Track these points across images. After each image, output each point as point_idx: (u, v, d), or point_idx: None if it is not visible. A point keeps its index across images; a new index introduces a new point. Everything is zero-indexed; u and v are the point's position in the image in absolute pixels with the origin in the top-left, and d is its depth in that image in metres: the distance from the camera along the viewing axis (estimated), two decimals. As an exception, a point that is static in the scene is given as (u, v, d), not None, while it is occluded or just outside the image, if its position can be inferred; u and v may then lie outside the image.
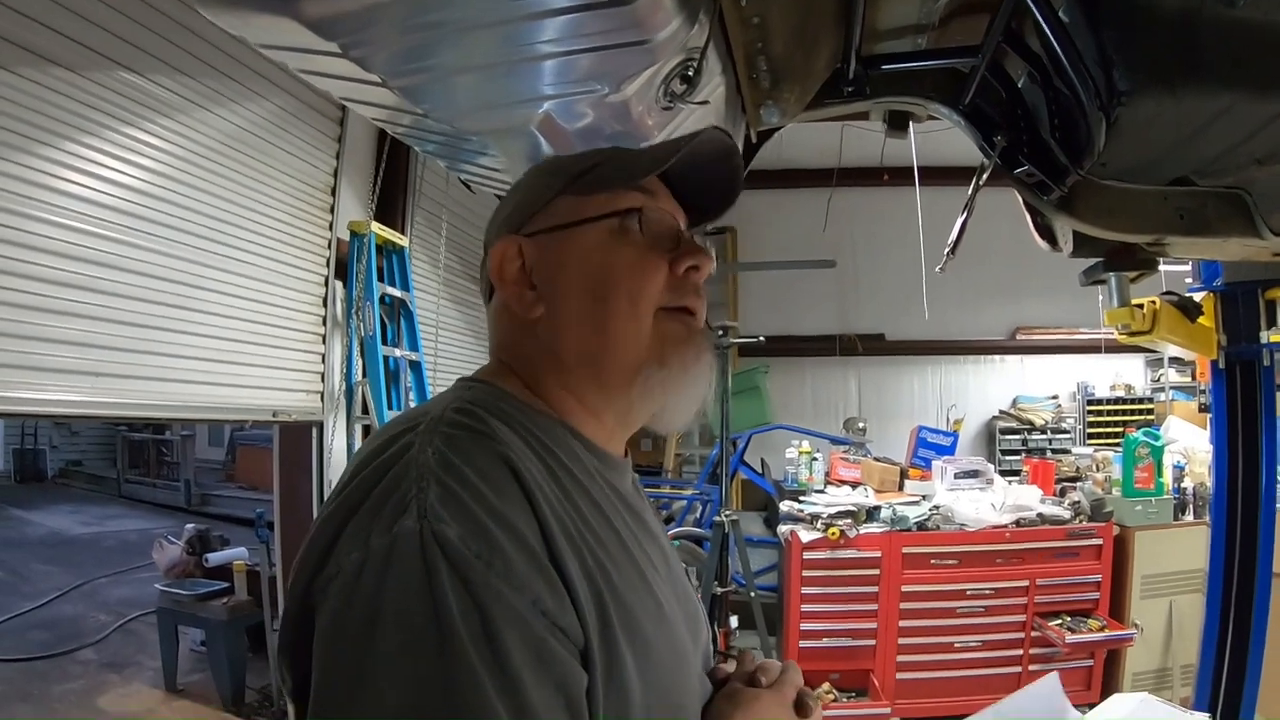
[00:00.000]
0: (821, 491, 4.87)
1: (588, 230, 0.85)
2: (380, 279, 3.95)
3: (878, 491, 4.83)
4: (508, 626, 0.61)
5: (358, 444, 3.83)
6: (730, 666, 0.92)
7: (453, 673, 0.58)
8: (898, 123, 1.88)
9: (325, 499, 0.74)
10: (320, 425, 3.75)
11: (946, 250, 2.08)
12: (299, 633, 0.67)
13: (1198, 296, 2.85)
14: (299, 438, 3.81)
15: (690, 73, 1.17)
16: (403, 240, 4.15)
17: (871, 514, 4.46)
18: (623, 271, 0.84)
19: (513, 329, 0.89)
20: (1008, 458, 7.40)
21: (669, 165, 0.85)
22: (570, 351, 0.85)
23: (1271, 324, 2.75)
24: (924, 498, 4.67)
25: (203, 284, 3.01)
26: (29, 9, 2.27)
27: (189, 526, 5.80)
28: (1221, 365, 2.88)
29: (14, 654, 5.54)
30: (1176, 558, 4.31)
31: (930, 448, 5.11)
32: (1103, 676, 4.33)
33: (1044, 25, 1.37)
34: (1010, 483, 4.93)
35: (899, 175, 6.44)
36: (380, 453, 0.71)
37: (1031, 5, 1.34)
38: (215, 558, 5.22)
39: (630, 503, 0.86)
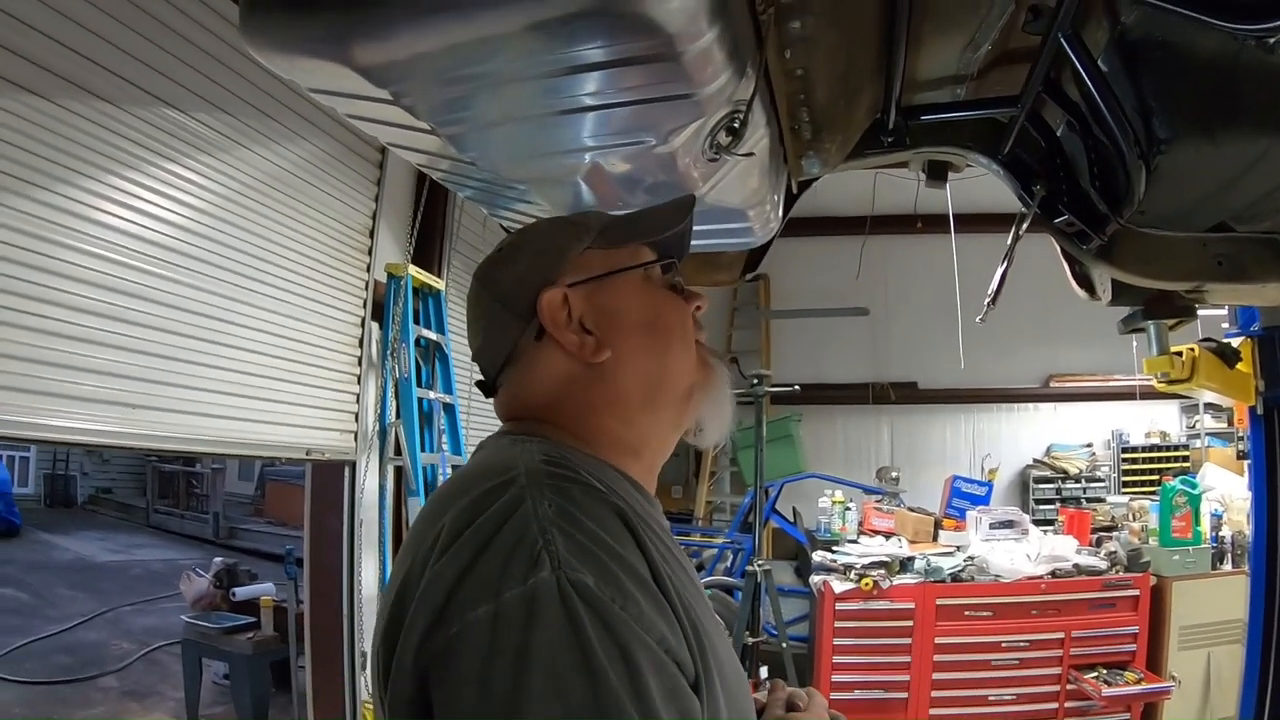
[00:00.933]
0: (855, 541, 4.81)
1: (626, 278, 0.94)
2: (416, 321, 3.98)
3: (912, 542, 4.76)
4: (647, 666, 0.64)
5: (390, 485, 3.84)
6: (763, 695, 1.01)
7: (606, 710, 0.60)
8: (937, 173, 1.89)
9: (411, 559, 0.74)
10: (353, 465, 3.76)
11: (987, 300, 2.08)
12: (417, 693, 0.67)
13: (1235, 342, 2.82)
14: (331, 476, 3.83)
15: (736, 124, 1.18)
16: (439, 284, 4.19)
17: (905, 565, 4.39)
18: (670, 311, 0.96)
19: (565, 378, 0.91)
20: (1041, 507, 7.26)
21: (680, 227, 0.97)
22: (636, 384, 0.92)
23: (1311, 368, 2.71)
24: (958, 548, 4.59)
25: (240, 320, 3.05)
26: (73, 42, 2.33)
27: (217, 560, 5.84)
28: (1260, 411, 2.84)
29: (37, 677, 5.59)
30: (1215, 608, 4.19)
31: (965, 497, 5.04)
32: (1140, 731, 4.19)
33: (1083, 74, 1.38)
34: (1045, 533, 4.84)
35: (932, 223, 6.45)
36: (482, 507, 0.72)
37: (1071, 55, 1.34)
38: (242, 592, 5.24)
39: (673, 537, 0.90)
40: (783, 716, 0.95)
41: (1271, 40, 1.03)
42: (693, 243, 1.05)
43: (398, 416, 3.86)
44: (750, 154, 1.29)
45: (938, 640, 4.22)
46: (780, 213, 1.79)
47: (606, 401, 0.91)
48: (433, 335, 4.12)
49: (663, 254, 0.99)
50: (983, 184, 2.75)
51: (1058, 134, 1.71)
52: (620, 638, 0.63)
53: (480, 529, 0.70)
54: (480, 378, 1.01)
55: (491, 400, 0.99)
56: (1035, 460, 7.69)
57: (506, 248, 1.00)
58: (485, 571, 0.66)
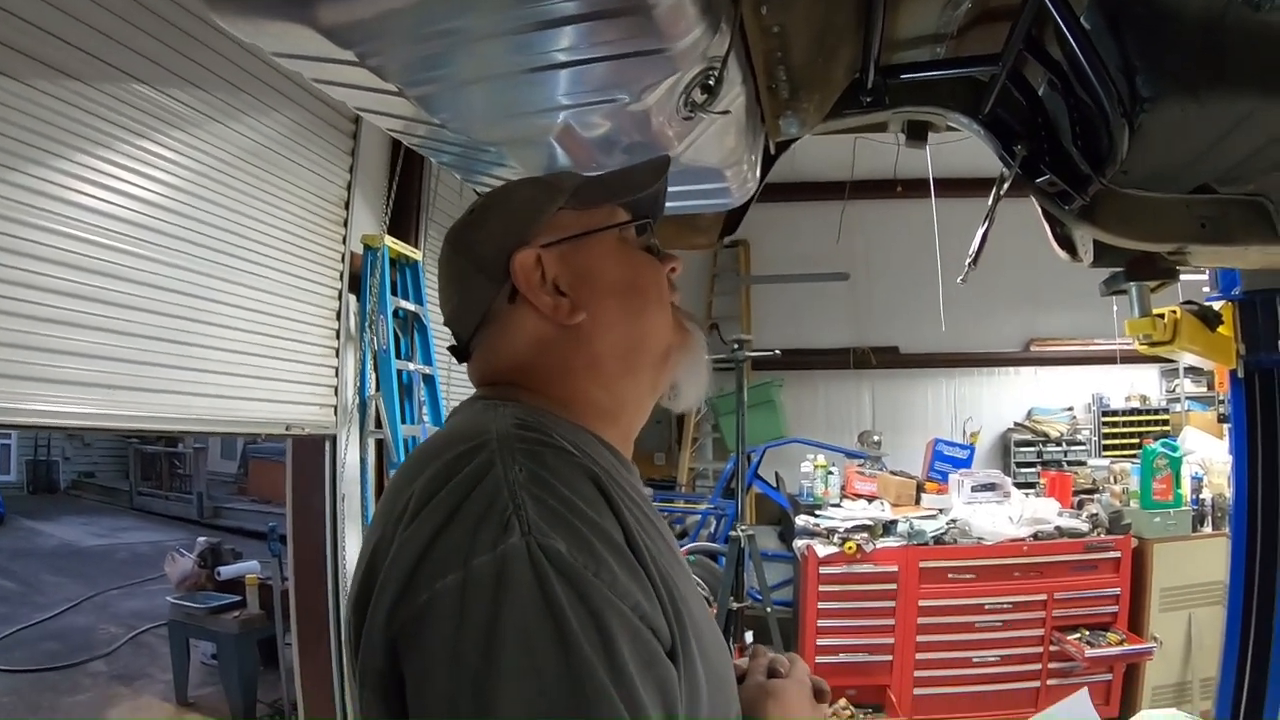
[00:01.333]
0: (837, 505, 4.84)
1: (601, 239, 0.92)
2: (394, 293, 3.95)
3: (894, 505, 4.80)
4: (621, 634, 0.63)
5: (371, 458, 3.82)
6: (744, 662, 1.00)
7: (580, 681, 0.59)
8: (916, 133, 1.87)
9: (383, 527, 0.73)
10: (333, 439, 3.74)
11: (968, 261, 2.07)
12: (387, 663, 0.67)
13: (1216, 305, 2.83)
14: (312, 451, 3.81)
15: (711, 82, 1.15)
16: (416, 254, 4.15)
17: (888, 528, 4.43)
18: (645, 272, 0.94)
19: (539, 340, 0.89)
20: (1023, 470, 7.34)
21: (655, 188, 0.95)
22: (612, 347, 0.90)
23: (1291, 332, 2.73)
24: (941, 511, 4.63)
25: (216, 297, 3.01)
26: (41, 21, 2.28)
27: (201, 539, 5.81)
28: (1240, 374, 2.86)
29: (25, 665, 5.58)
30: (1196, 570, 4.26)
31: (947, 460, 5.08)
32: (1122, 691, 4.27)
33: (1066, 32, 1.35)
34: (1027, 495, 4.89)
35: (912, 187, 6.45)
36: (451, 473, 0.71)
37: (1053, 12, 1.32)
38: (227, 571, 5.23)
39: (651, 504, 0.88)
40: (763, 682, 0.94)
41: (1258, -5, 1.01)
42: (670, 204, 1.03)
43: (377, 389, 3.84)
44: (726, 112, 1.26)
45: (921, 603, 4.27)
46: (758, 173, 1.76)
47: (582, 364, 0.89)
48: (410, 306, 4.08)
49: (637, 215, 0.97)
50: (962, 148, 2.74)
51: (1039, 93, 1.68)
52: (593, 604, 0.62)
53: (449, 494, 0.68)
54: (454, 343, 0.98)
55: (466, 366, 0.97)
56: (1016, 424, 7.76)
57: (478, 209, 0.97)
58: (454, 538, 0.65)
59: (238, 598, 4.88)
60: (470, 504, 0.67)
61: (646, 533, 0.75)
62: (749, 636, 4.24)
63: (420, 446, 0.85)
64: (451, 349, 0.98)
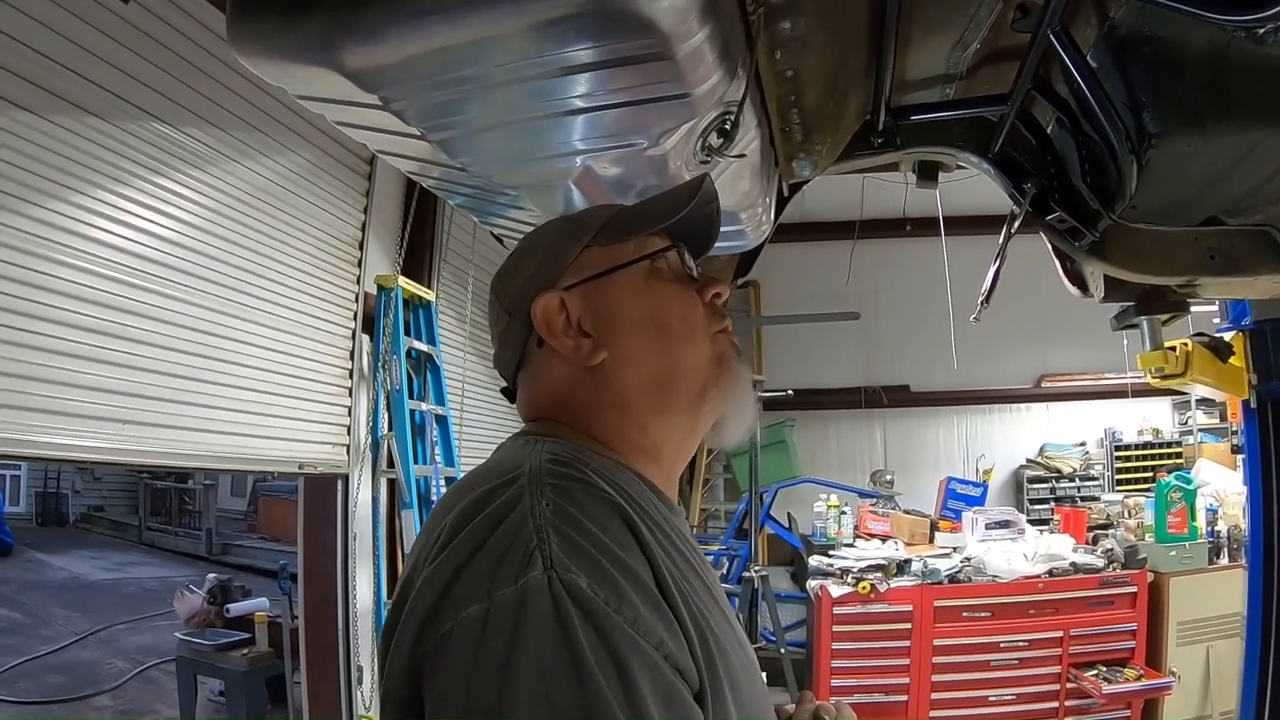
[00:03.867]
0: (851, 545, 4.81)
1: (627, 274, 0.90)
2: (407, 333, 3.96)
3: (908, 544, 4.77)
4: (641, 672, 0.62)
5: (383, 497, 3.82)
6: (791, 707, 0.97)
7: (594, 716, 0.59)
8: (927, 173, 1.90)
9: (417, 557, 0.74)
10: (346, 478, 3.74)
11: (980, 299, 2.08)
12: (409, 690, 0.67)
13: (1227, 336, 2.83)
14: (324, 490, 3.80)
15: (727, 126, 1.18)
16: (429, 295, 4.18)
17: (902, 567, 4.40)
18: (674, 304, 0.91)
19: (567, 382, 0.90)
20: (1036, 507, 7.26)
21: (685, 213, 0.91)
22: (636, 389, 0.89)
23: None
24: (955, 550, 4.59)
25: (230, 334, 3.03)
26: (64, 59, 2.32)
27: (211, 576, 5.80)
28: (1253, 404, 2.84)
29: (31, 697, 5.54)
30: (1213, 603, 4.21)
31: (960, 499, 5.05)
32: (1141, 727, 4.20)
33: (1073, 70, 1.38)
34: (1041, 532, 4.85)
35: (921, 226, 6.48)
36: (482, 506, 0.71)
37: (1060, 51, 1.35)
38: (236, 608, 5.21)
39: (694, 543, 0.88)
40: None
41: (1261, 31, 1.03)
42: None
43: (390, 429, 3.84)
44: (741, 155, 1.29)
45: (936, 642, 4.22)
46: (772, 215, 1.79)
47: (612, 404, 0.88)
48: (424, 347, 4.10)
49: (680, 240, 0.96)
50: (970, 186, 2.76)
51: (1048, 131, 1.71)
52: (612, 641, 0.62)
53: (477, 527, 0.69)
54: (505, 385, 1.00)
55: (513, 405, 0.98)
56: (1029, 460, 7.70)
57: (513, 254, 0.98)
58: (479, 570, 0.66)
59: (246, 635, 4.85)
60: (497, 537, 0.67)
61: (680, 572, 0.75)
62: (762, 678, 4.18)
63: (461, 480, 0.86)
64: (503, 390, 0.99)
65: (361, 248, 3.89)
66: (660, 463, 0.91)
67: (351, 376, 3.78)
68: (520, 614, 0.62)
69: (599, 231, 0.92)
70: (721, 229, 1.67)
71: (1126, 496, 5.52)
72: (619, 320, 0.89)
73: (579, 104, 1.11)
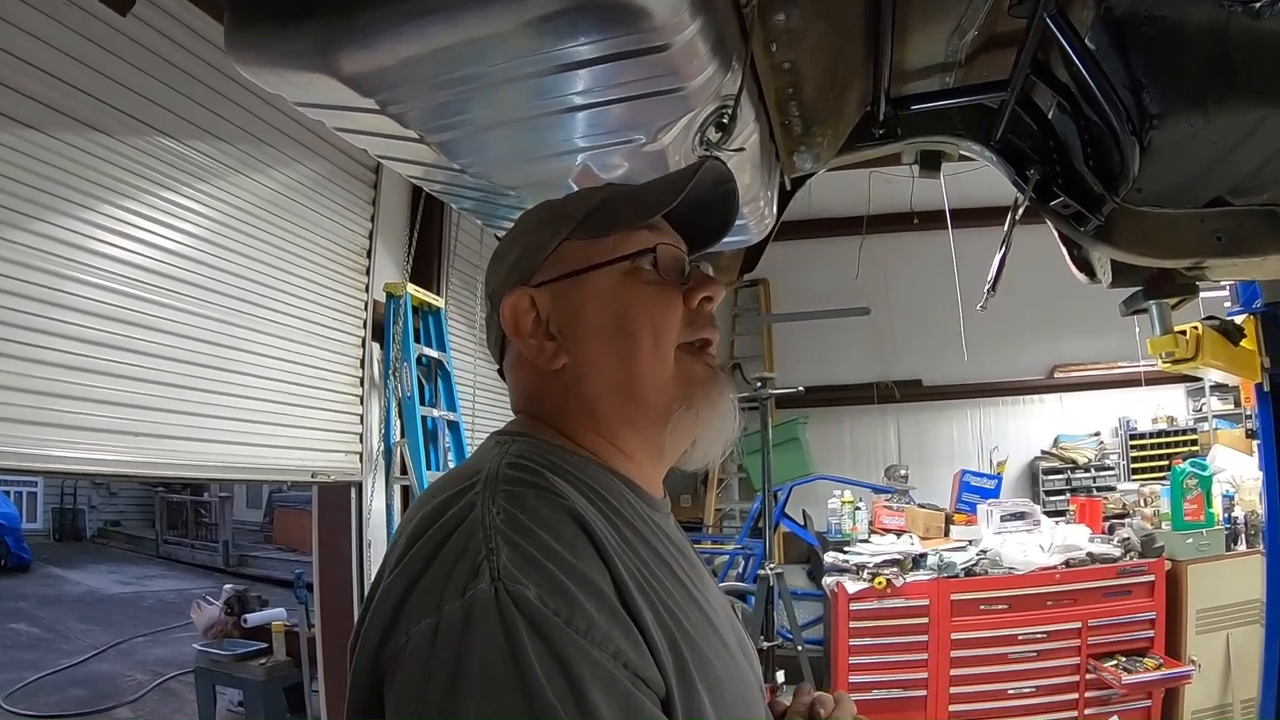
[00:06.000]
0: (866, 541, 4.79)
1: (601, 274, 0.84)
2: (417, 340, 3.98)
3: (923, 538, 4.74)
4: (594, 684, 0.60)
5: (397, 504, 3.83)
6: (787, 700, 0.93)
7: None
8: (930, 163, 1.89)
9: (383, 566, 0.73)
10: (359, 486, 3.76)
11: (987, 287, 2.08)
12: (371, 703, 0.66)
13: (1238, 319, 2.80)
14: (338, 498, 3.82)
15: (725, 120, 1.18)
16: (438, 301, 4.20)
17: (918, 561, 4.37)
18: (643, 311, 0.84)
19: (536, 382, 0.88)
20: (1052, 498, 7.21)
21: (679, 201, 0.84)
22: (598, 398, 0.84)
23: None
24: (970, 542, 4.56)
25: (241, 345, 3.05)
26: (68, 76, 2.35)
27: (228, 587, 5.82)
28: (1266, 387, 2.82)
29: (52, 711, 5.59)
30: (1231, 589, 4.17)
31: (974, 491, 5.02)
32: (1161, 716, 4.17)
33: (1071, 54, 1.37)
34: (1057, 523, 4.81)
35: (928, 219, 6.47)
36: (437, 516, 0.70)
37: (1058, 35, 1.34)
38: (254, 618, 5.22)
39: (679, 543, 0.86)
40: None
41: (1257, 6, 1.02)
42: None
43: (402, 435, 3.85)
44: (740, 149, 1.29)
45: (954, 636, 4.19)
46: (775, 209, 1.79)
47: (579, 410, 0.85)
48: (434, 353, 4.12)
49: (689, 228, 0.91)
50: (977, 178, 2.76)
51: (1049, 116, 1.71)
52: (560, 650, 0.60)
53: (431, 538, 0.68)
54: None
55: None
56: (1043, 451, 7.65)
57: (501, 243, 0.95)
58: (430, 583, 0.65)
59: (264, 645, 4.86)
60: (447, 549, 0.66)
61: (650, 574, 0.73)
62: (780, 676, 4.18)
63: (430, 485, 0.84)
64: (500, 372, 0.97)
65: (369, 256, 3.91)
66: (639, 464, 0.87)
67: (362, 384, 3.80)
68: (466, 626, 0.61)
69: (580, 223, 0.86)
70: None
71: (1142, 485, 5.47)
72: (582, 324, 0.84)
73: (576, 101, 1.12)
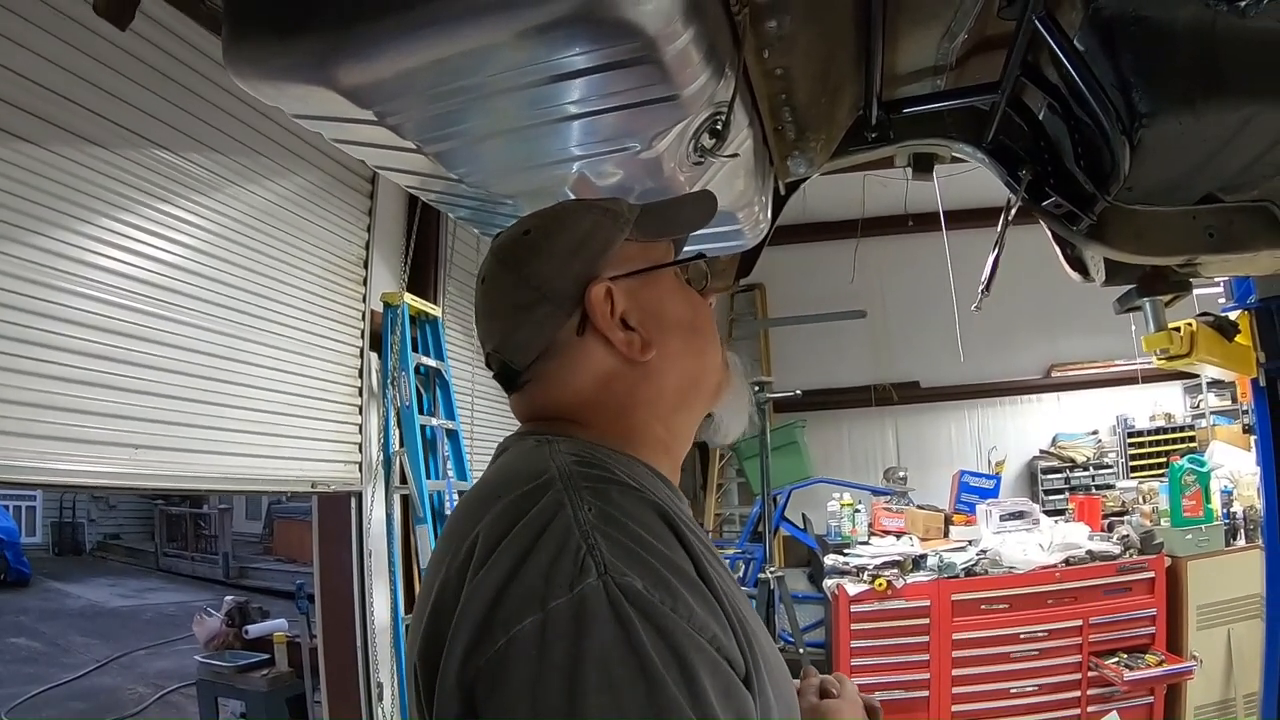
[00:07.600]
0: (866, 543, 4.80)
1: (666, 274, 0.94)
2: (415, 349, 3.98)
3: (923, 539, 4.75)
4: (703, 668, 0.62)
5: (397, 514, 3.83)
6: (797, 683, 0.97)
7: (665, 718, 0.58)
8: (923, 165, 1.91)
9: (445, 574, 0.72)
10: (359, 495, 3.75)
11: (981, 288, 2.09)
12: (461, 707, 0.66)
13: (1233, 315, 2.82)
14: (338, 508, 3.82)
15: (719, 126, 1.19)
16: (435, 310, 4.20)
17: (918, 562, 4.38)
18: (702, 310, 0.96)
19: (608, 373, 0.89)
20: (1051, 497, 7.23)
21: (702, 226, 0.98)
22: (675, 383, 0.92)
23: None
24: (970, 543, 4.58)
25: (239, 357, 3.05)
26: (63, 89, 2.35)
27: (229, 598, 5.82)
28: (1262, 383, 2.83)
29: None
30: (1232, 585, 4.19)
31: (973, 491, 5.04)
32: (1164, 713, 4.18)
33: (1061, 55, 1.39)
34: (1056, 522, 4.82)
35: (923, 221, 6.49)
36: (517, 516, 0.70)
37: (1047, 36, 1.36)
38: (255, 629, 5.23)
39: (706, 535, 0.88)
40: (816, 704, 0.95)
41: (1243, 5, 1.03)
42: (685, 247, 1.04)
43: (401, 445, 3.85)
44: (734, 155, 1.30)
45: (955, 636, 4.20)
46: (769, 214, 1.80)
47: (647, 399, 0.90)
48: (432, 362, 4.12)
49: (680, 250, 1.00)
50: (970, 179, 2.77)
51: (1040, 117, 1.72)
52: (673, 640, 0.62)
53: (518, 537, 0.68)
54: (496, 370, 0.94)
55: (511, 397, 0.94)
56: (1041, 451, 7.68)
57: (536, 232, 0.92)
58: (529, 581, 0.65)
59: (266, 656, 4.87)
60: (542, 546, 0.66)
61: (711, 561, 0.75)
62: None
63: (476, 487, 0.84)
64: (499, 376, 0.94)
65: (366, 266, 3.92)
66: (671, 455, 0.93)
67: (361, 394, 3.80)
68: (580, 622, 0.61)
69: (634, 225, 0.93)
70: (719, 229, 1.70)
71: (1141, 482, 5.49)
72: (665, 319, 0.91)
73: (571, 110, 1.13)
